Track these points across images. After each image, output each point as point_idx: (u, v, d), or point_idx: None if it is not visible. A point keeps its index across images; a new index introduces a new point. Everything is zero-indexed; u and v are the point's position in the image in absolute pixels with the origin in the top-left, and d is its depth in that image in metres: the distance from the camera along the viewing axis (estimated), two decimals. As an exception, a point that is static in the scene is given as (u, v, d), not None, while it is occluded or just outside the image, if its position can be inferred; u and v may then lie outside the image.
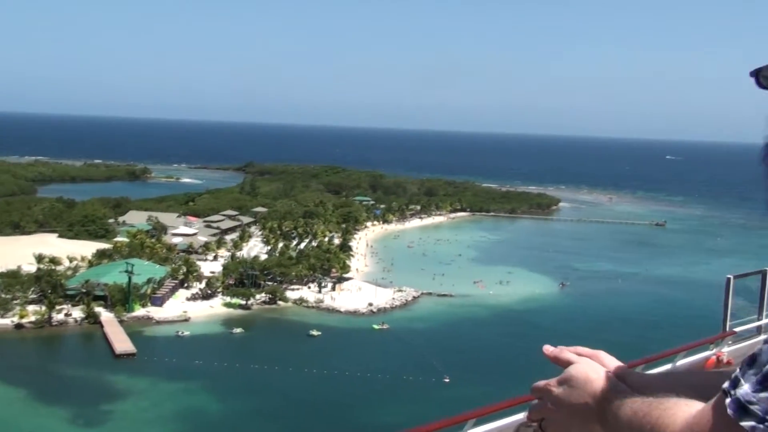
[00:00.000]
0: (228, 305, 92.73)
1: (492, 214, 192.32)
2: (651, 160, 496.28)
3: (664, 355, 14.38)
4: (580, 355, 1.57)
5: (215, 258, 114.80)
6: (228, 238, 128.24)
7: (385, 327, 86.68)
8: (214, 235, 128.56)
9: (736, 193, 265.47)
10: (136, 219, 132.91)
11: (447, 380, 68.97)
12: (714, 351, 15.05)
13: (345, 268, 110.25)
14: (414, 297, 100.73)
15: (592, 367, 1.48)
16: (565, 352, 1.62)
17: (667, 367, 14.37)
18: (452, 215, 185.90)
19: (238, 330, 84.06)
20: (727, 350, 15.37)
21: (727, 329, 15.79)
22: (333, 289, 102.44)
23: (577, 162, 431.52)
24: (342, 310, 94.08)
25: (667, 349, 14.62)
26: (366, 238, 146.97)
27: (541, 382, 1.62)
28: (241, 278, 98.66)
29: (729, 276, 16.05)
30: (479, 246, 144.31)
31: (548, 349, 1.56)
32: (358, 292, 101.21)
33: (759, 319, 17.00)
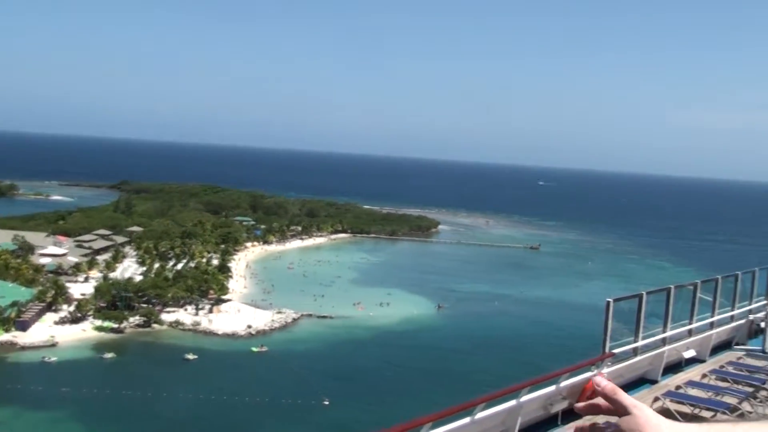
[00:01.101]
0: (99, 329, 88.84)
1: (373, 235, 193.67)
2: (525, 186, 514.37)
3: (548, 377, 14.65)
4: (625, 406, 1.37)
5: (86, 279, 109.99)
6: (100, 258, 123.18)
7: (264, 349, 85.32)
8: (85, 255, 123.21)
9: (605, 219, 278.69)
10: (0, 238, 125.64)
11: (327, 403, 68.45)
12: (594, 372, 15.47)
13: (223, 289, 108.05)
14: (294, 319, 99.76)
15: (647, 421, 1.31)
16: (621, 395, 1.40)
17: (551, 388, 14.65)
18: (333, 236, 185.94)
19: (110, 355, 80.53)
20: (606, 371, 15.86)
21: (607, 350, 16.32)
22: (211, 311, 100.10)
23: (456, 186, 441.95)
24: (220, 332, 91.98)
25: (549, 372, 14.92)
26: (246, 258, 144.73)
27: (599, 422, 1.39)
28: (114, 300, 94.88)
29: (609, 299, 16.57)
30: (360, 268, 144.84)
31: (602, 382, 1.37)
32: (237, 314, 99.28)
33: (635, 341, 17.69)
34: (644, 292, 17.97)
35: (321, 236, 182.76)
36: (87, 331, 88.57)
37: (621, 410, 1.22)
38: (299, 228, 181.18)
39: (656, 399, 15.33)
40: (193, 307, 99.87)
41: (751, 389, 16.06)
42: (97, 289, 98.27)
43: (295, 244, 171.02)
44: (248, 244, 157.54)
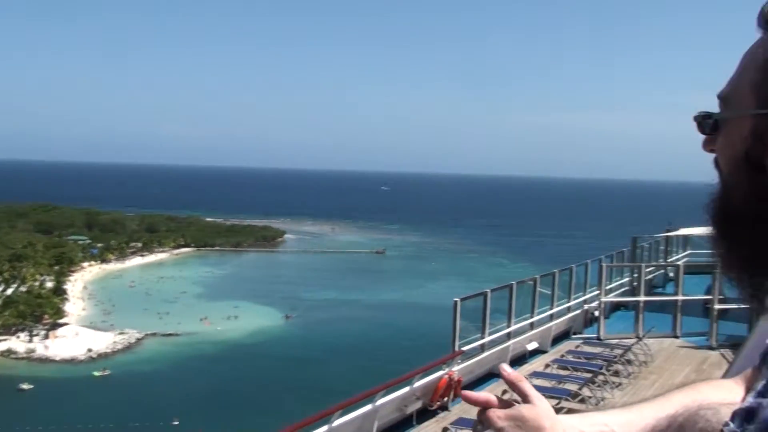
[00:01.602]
0: None
1: (217, 248, 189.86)
2: (368, 191, 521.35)
3: (402, 378, 14.90)
4: (527, 396, 1.42)
5: None
6: None
7: (106, 373, 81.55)
8: None
9: (445, 220, 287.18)
10: None
11: (176, 422, 66.35)
12: (446, 371, 15.88)
13: (59, 313, 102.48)
14: (137, 339, 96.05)
15: (547, 414, 1.36)
16: (526, 385, 1.47)
17: (405, 389, 14.92)
18: (176, 251, 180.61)
19: (-67, 391, 74.37)
20: (457, 369, 16.31)
21: (456, 349, 16.78)
22: (46, 336, 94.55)
23: (300, 194, 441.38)
24: (57, 358, 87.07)
25: (403, 374, 15.16)
26: (83, 279, 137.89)
27: (489, 411, 1.45)
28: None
29: (456, 299, 17.07)
30: (205, 282, 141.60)
31: (506, 370, 1.44)
32: (75, 338, 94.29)
33: (482, 337, 18.31)
34: (488, 290, 18.69)
35: (163, 252, 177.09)
36: None
37: (523, 399, 1.26)
38: (139, 244, 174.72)
39: (504, 392, 15.90)
40: (27, 333, 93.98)
41: (589, 375, 17.00)
42: None
43: (136, 261, 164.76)
44: (85, 264, 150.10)
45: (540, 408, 1.34)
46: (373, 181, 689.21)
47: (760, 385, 0.98)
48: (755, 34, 1.17)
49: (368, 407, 13.33)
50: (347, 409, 12.66)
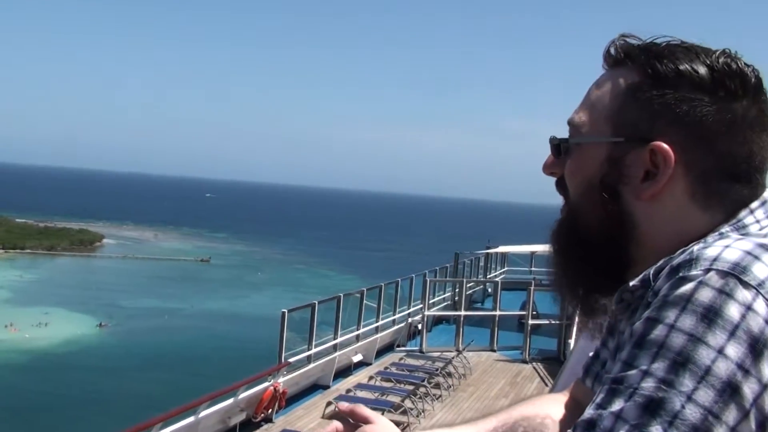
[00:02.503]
0: None
1: (29, 251, 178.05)
2: (192, 198, 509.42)
3: (226, 390, 14.68)
4: (367, 418, 1.49)
5: None
6: None
7: None
8: None
9: (273, 230, 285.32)
10: None
11: (-27, 438, 61.55)
12: (271, 382, 15.81)
13: None
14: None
15: (391, 429, 1.43)
16: (362, 409, 1.55)
17: (229, 401, 14.69)
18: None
19: None
20: (282, 380, 16.28)
21: (282, 360, 16.75)
22: None
23: (119, 198, 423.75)
24: None
25: (227, 385, 14.94)
26: None
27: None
28: None
29: (283, 310, 17.06)
30: (13, 286, 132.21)
31: (343, 405, 1.54)
32: None
33: (309, 349, 18.38)
34: (316, 302, 18.83)
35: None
36: None
37: (364, 421, 1.30)
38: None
39: (328, 403, 16.10)
40: None
41: (411, 387, 17.51)
42: None
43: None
44: None
45: (380, 425, 1.41)
46: (195, 188, 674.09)
47: (598, 397, 1.04)
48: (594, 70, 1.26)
49: (190, 419, 13.04)
50: (168, 421, 12.32)
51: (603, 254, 1.21)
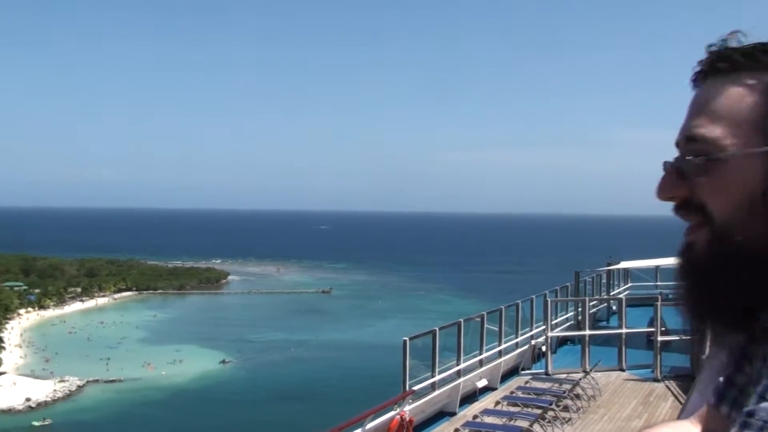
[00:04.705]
0: None
1: (160, 291, 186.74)
2: (306, 231, 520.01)
3: (354, 420, 14.85)
4: None
5: None
6: None
7: (46, 422, 78.98)
8: None
9: (388, 258, 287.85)
10: None
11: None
12: (397, 411, 15.87)
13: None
14: (79, 386, 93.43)
15: None
16: None
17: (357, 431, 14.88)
18: (117, 296, 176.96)
19: None
20: (408, 409, 16.32)
21: (407, 388, 16.79)
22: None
23: (240, 235, 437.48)
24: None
25: (354, 415, 15.12)
26: (20, 327, 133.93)
27: None
28: None
29: (405, 338, 17.14)
30: (148, 326, 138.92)
31: None
32: (13, 388, 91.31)
33: (432, 376, 18.36)
34: (437, 328, 18.79)
35: (104, 296, 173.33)
36: None
37: None
38: (78, 289, 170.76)
39: (456, 430, 16.01)
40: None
41: (539, 411, 17.19)
42: None
43: (76, 306, 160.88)
44: (21, 311, 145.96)
45: None
46: (310, 221, 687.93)
47: (734, 430, 0.99)
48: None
49: (321, 451, 13.20)
50: (299, 454, 12.52)
51: (760, 271, 1.13)
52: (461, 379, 19.15)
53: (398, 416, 15.42)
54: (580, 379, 20.22)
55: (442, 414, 17.90)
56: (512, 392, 19.82)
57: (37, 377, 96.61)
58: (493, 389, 20.62)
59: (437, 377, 18.25)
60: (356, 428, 14.78)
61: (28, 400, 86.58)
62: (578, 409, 18.42)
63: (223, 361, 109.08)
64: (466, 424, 15.97)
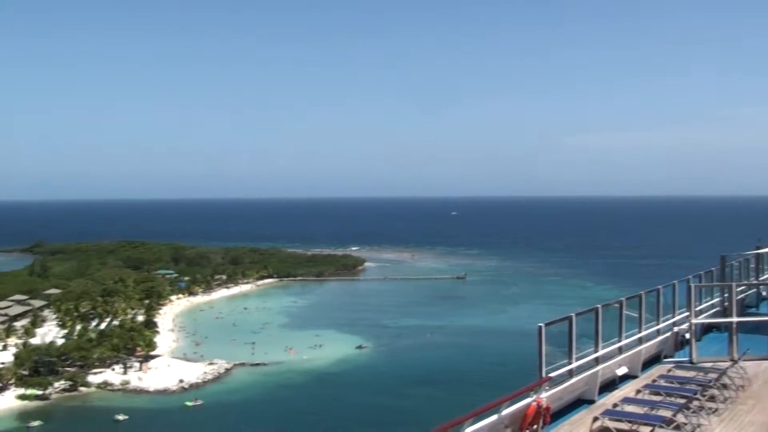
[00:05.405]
0: (23, 397, 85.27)
1: (300, 278, 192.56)
2: (439, 217, 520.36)
3: (489, 406, 14.90)
4: None
5: (4, 347, 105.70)
6: (18, 324, 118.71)
7: (198, 403, 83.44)
8: (1, 322, 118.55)
9: (522, 244, 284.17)
10: None
11: (267, 452, 67.34)
12: (534, 398, 15.76)
13: (151, 345, 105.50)
14: (226, 369, 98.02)
15: None
16: None
17: (493, 418, 14.96)
18: (260, 283, 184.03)
19: (36, 423, 77.20)
20: (545, 395, 16.18)
21: (543, 375, 16.63)
22: (140, 368, 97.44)
23: (374, 222, 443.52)
24: (151, 389, 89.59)
25: (489, 401, 15.17)
26: (172, 312, 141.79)
27: None
28: (36, 367, 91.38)
29: (540, 324, 16.95)
30: (289, 311, 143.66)
31: None
32: (167, 369, 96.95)
33: (569, 363, 18.08)
34: (573, 314, 18.46)
35: (247, 283, 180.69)
36: (9, 400, 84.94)
37: None
38: (224, 277, 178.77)
39: (595, 419, 15.77)
40: (121, 366, 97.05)
41: (683, 400, 16.65)
42: (16, 356, 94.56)
43: (222, 293, 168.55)
44: (173, 297, 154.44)
45: None
46: (440, 207, 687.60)
47: None
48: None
49: (456, 437, 13.30)
50: (434, 438, 12.65)
51: None
52: (599, 367, 18.77)
53: (535, 403, 15.32)
54: (728, 368, 19.39)
55: (580, 402, 17.63)
56: (654, 381, 19.27)
57: (188, 360, 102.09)
58: (634, 377, 20.11)
59: (574, 364, 17.96)
60: (492, 414, 14.80)
61: (181, 381, 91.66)
62: (726, 399, 17.70)
63: (360, 347, 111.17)
64: (606, 413, 15.67)
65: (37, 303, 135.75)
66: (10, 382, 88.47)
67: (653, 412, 16.09)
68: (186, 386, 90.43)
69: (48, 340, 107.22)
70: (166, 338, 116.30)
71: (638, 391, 18.27)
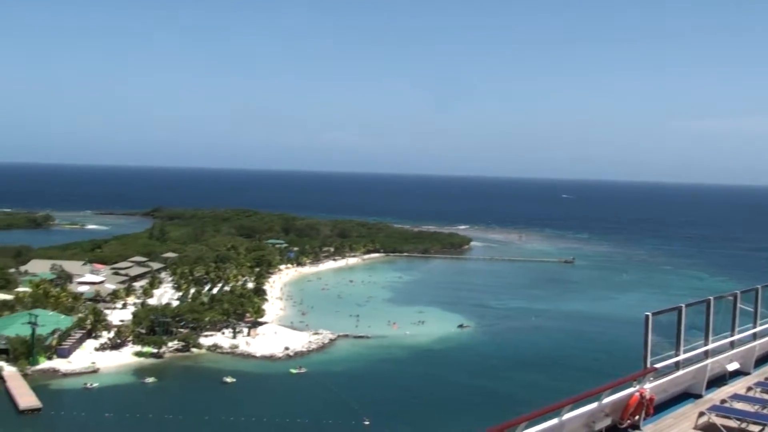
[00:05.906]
0: (139, 354, 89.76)
1: (405, 254, 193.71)
2: (549, 199, 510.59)
3: (590, 393, 14.66)
4: None
5: (124, 306, 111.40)
6: (137, 285, 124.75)
7: (302, 371, 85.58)
8: (122, 282, 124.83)
9: (634, 230, 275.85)
10: (39, 268, 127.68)
11: (367, 422, 68.43)
12: (637, 388, 15.39)
13: (259, 312, 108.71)
14: (331, 339, 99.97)
15: None
16: None
17: (593, 405, 14.74)
18: (366, 256, 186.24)
19: (151, 379, 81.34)
20: (649, 386, 15.77)
21: (648, 365, 16.19)
22: (248, 334, 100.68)
23: (485, 201, 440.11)
24: (257, 355, 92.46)
25: (591, 388, 14.93)
26: (280, 281, 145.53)
27: None
28: (152, 326, 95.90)
29: (647, 313, 16.48)
30: (393, 286, 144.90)
31: None
32: (274, 336, 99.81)
33: (677, 355, 17.52)
34: (683, 305, 17.85)
35: (354, 256, 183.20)
36: (127, 356, 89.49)
37: None
38: (332, 249, 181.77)
39: (701, 414, 15.29)
40: (231, 330, 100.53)
41: (797, 401, 15.94)
42: (135, 315, 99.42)
43: (329, 265, 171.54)
44: (282, 267, 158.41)
45: None
46: (551, 190, 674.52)
47: None
48: None
49: (554, 421, 13.17)
50: (532, 421, 12.61)
51: None
52: (709, 361, 18.15)
53: (638, 393, 14.98)
54: None
55: (686, 395, 17.12)
56: (767, 378, 18.52)
57: (294, 328, 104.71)
58: (746, 374, 19.33)
59: (682, 356, 17.41)
60: (593, 401, 14.60)
61: (286, 348, 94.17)
62: None
63: (462, 326, 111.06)
64: (713, 408, 15.18)
65: (155, 265, 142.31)
66: (128, 339, 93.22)
67: (764, 411, 15.49)
68: (291, 354, 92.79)
69: (164, 301, 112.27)
70: (274, 306, 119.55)
71: (749, 389, 17.60)
